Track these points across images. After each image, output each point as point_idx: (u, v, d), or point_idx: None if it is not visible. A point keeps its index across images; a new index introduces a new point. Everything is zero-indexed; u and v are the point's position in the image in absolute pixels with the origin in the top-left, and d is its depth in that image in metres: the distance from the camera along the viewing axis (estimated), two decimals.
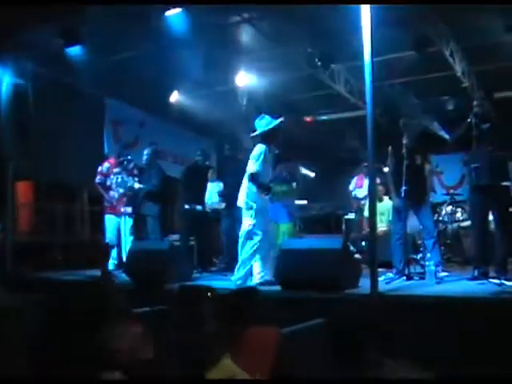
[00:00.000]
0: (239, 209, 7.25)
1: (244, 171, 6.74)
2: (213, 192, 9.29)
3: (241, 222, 7.43)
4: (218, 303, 2.46)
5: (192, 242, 9.21)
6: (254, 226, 6.51)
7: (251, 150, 6.72)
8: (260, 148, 6.63)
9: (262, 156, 6.53)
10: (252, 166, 6.58)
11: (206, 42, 8.83)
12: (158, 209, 8.75)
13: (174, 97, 11.28)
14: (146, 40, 8.54)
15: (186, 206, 8.92)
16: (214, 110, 11.43)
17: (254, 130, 6.80)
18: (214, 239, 9.24)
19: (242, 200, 6.71)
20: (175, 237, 9.73)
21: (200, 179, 9.02)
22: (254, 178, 6.55)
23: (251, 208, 6.55)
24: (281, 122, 6.80)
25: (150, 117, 11.83)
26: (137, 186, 8.65)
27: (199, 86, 10.90)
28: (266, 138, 6.73)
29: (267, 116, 6.83)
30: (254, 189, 6.58)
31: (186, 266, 7.68)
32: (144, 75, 9.48)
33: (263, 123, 6.77)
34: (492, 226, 6.71)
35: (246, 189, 6.65)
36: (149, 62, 9.07)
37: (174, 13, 7.88)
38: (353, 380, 2.01)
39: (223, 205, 8.69)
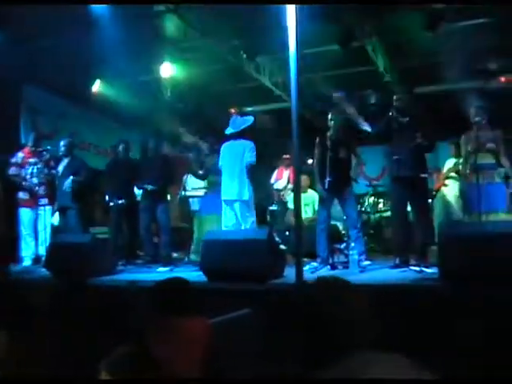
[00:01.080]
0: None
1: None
2: None
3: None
4: (144, 295, 2.43)
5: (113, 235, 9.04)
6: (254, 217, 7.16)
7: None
8: (249, 143, 7.27)
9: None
10: (250, 158, 7.19)
11: (131, 30, 8.67)
12: (80, 201, 8.53)
13: (97, 86, 10.96)
14: (69, 27, 8.28)
15: (109, 199, 8.75)
16: (137, 101, 11.24)
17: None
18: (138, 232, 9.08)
19: (242, 193, 7.15)
20: (99, 229, 9.53)
21: (123, 172, 8.81)
22: (252, 169, 7.15)
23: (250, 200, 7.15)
24: (254, 120, 7.55)
25: (72, 106, 11.43)
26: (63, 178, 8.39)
27: (123, 76, 10.69)
28: (245, 134, 7.41)
29: (239, 117, 7.63)
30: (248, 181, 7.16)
31: (109, 258, 7.53)
32: (66, 63, 9.21)
33: (238, 122, 7.47)
34: (411, 215, 6.93)
35: (245, 181, 7.19)
36: (71, 50, 8.81)
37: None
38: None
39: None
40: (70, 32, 8.42)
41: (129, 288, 5.75)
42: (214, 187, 7.95)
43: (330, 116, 7.16)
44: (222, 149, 7.50)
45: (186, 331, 2.90)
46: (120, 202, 8.52)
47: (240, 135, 7.39)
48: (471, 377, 3.49)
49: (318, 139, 7.15)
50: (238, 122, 7.44)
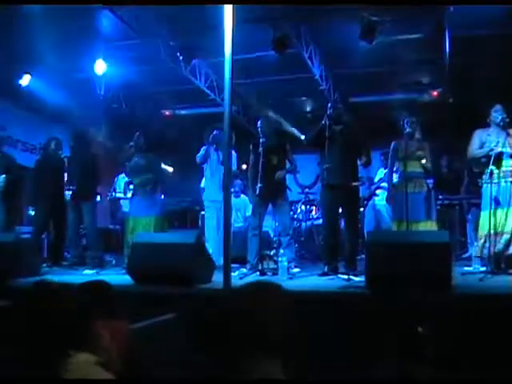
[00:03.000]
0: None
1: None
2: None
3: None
4: (65, 297, 2.33)
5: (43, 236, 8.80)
6: None
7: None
8: None
9: None
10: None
11: (65, 26, 8.45)
12: (6, 198, 8.24)
13: (26, 80, 10.47)
14: None
15: (37, 198, 8.50)
16: (69, 98, 10.95)
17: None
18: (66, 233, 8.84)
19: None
20: (25, 229, 9.24)
21: (53, 170, 8.55)
22: None
23: None
24: None
25: None
26: None
27: (55, 71, 10.40)
28: None
29: None
30: None
31: (34, 259, 7.29)
32: None
33: None
34: (341, 223, 7.01)
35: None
36: None
37: None
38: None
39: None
40: None
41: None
42: (142, 189, 7.77)
43: (258, 123, 7.20)
44: None
45: (105, 335, 2.82)
46: (48, 201, 8.28)
47: None
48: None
49: (251, 145, 7.16)
50: None
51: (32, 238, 8.41)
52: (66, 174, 8.23)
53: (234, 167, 7.16)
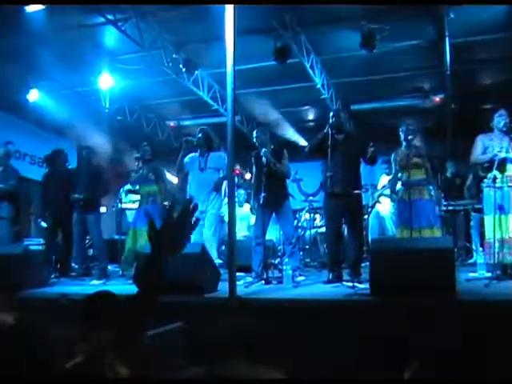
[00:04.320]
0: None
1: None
2: None
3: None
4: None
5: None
6: None
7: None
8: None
9: None
10: None
11: (69, 41, 8.57)
12: (12, 211, 8.33)
13: (34, 96, 10.69)
14: (5, 34, 8.10)
15: (44, 211, 8.59)
16: (75, 111, 11.07)
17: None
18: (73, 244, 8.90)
19: None
20: (33, 241, 9.31)
21: (59, 182, 8.64)
22: None
23: None
24: None
25: (6, 114, 11.21)
26: None
27: (60, 86, 10.53)
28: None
29: None
30: None
31: (42, 270, 7.37)
32: (0, 70, 9.02)
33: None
34: (345, 231, 7.02)
35: None
36: (6, 58, 8.63)
37: (36, 9, 7.57)
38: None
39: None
40: (6, 39, 8.25)
41: (59, 301, 5.62)
42: (146, 199, 7.83)
43: (254, 133, 7.25)
44: None
45: (116, 345, 2.86)
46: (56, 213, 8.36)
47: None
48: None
49: (253, 157, 7.20)
50: None
51: (40, 250, 8.51)
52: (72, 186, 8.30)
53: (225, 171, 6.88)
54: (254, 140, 7.20)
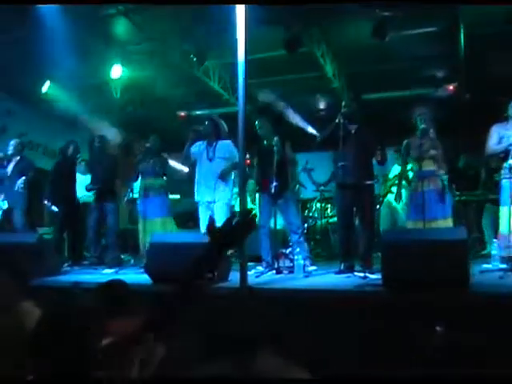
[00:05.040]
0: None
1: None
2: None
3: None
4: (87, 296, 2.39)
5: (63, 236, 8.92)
6: None
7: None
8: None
9: None
10: None
11: (81, 32, 8.57)
12: (26, 200, 8.38)
13: (47, 87, 10.78)
14: (18, 25, 8.12)
15: (54, 200, 8.63)
16: (87, 102, 11.10)
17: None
18: (85, 233, 8.96)
19: None
20: (45, 230, 9.37)
21: (71, 173, 8.73)
22: None
23: None
24: None
25: (19, 105, 11.27)
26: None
27: (72, 77, 10.53)
28: None
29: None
30: None
31: (55, 259, 7.43)
32: (14, 62, 9.04)
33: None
34: (357, 221, 6.97)
35: None
36: (21, 49, 8.65)
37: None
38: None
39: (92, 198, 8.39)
40: (19, 31, 8.27)
41: (72, 289, 5.64)
42: (153, 190, 7.86)
43: (256, 123, 7.22)
44: None
45: (123, 332, 2.86)
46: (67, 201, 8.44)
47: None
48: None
49: (257, 145, 7.20)
50: None
51: (53, 238, 8.58)
52: (87, 176, 8.35)
53: (236, 159, 6.57)
54: (258, 129, 7.16)
